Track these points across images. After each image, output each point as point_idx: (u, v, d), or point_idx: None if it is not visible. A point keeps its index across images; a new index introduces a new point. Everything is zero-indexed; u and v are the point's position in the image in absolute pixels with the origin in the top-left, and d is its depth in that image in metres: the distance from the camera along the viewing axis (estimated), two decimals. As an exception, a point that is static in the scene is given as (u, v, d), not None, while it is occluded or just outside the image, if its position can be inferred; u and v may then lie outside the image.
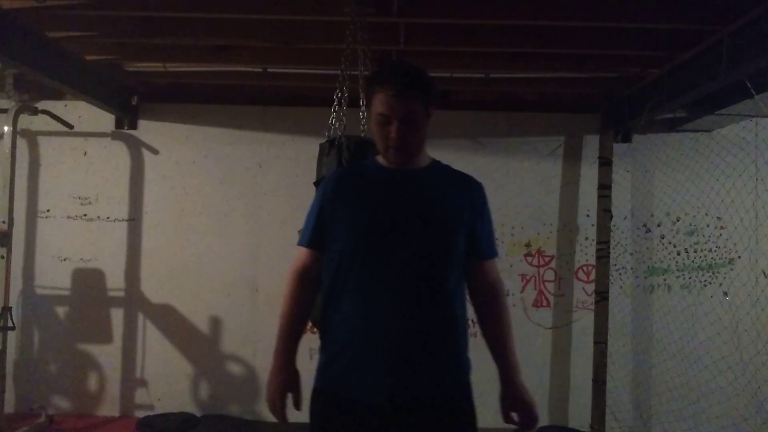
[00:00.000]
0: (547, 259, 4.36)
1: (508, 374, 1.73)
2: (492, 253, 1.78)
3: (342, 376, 1.63)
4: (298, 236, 1.81)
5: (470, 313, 1.78)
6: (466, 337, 1.72)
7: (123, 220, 4.37)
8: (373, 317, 1.59)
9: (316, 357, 1.74)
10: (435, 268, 1.63)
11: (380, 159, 1.74)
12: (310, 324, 1.84)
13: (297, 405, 1.73)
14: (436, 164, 1.78)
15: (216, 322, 4.33)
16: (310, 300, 1.77)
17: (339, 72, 2.65)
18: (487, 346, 1.77)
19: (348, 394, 1.61)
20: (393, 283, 1.60)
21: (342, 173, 1.80)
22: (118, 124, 4.39)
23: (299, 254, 1.77)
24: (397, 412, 1.58)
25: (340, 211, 1.68)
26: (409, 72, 1.65)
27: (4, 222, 3.74)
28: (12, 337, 3.89)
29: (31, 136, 4.37)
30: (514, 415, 1.73)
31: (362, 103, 2.48)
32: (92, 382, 4.32)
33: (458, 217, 1.68)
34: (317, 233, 1.72)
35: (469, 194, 1.73)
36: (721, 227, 4.23)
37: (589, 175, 4.31)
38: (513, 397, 1.71)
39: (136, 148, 4.40)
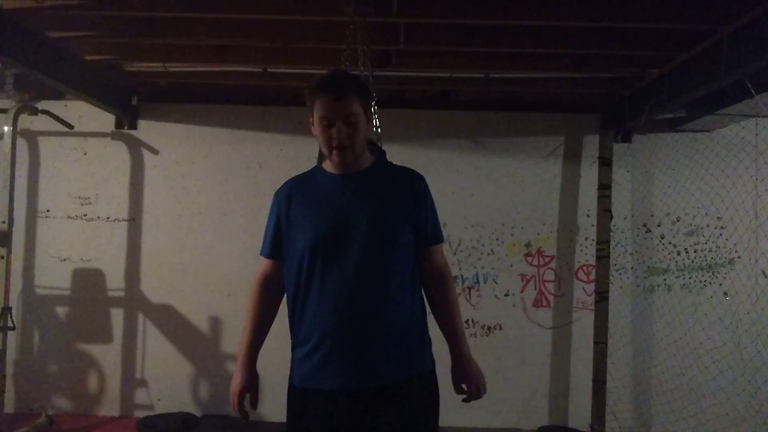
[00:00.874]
0: (547, 259, 4.36)
1: (457, 348, 1.87)
2: (437, 238, 1.90)
3: (313, 372, 1.77)
4: None
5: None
6: (421, 316, 1.85)
7: (123, 220, 4.37)
8: (334, 314, 1.72)
9: None
10: (385, 262, 1.75)
11: (326, 165, 1.88)
12: None
13: (253, 404, 1.94)
14: (377, 163, 1.90)
15: (216, 322, 4.33)
16: (273, 306, 1.93)
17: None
18: (437, 324, 1.91)
19: (317, 386, 1.76)
20: (348, 281, 1.72)
21: (292, 184, 1.91)
22: (118, 124, 4.39)
23: (261, 264, 1.93)
24: (369, 395, 1.72)
25: (294, 219, 1.82)
26: (347, 77, 1.84)
27: (4, 222, 3.74)
28: (12, 337, 3.89)
29: (31, 136, 4.38)
30: (464, 387, 1.87)
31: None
32: (92, 382, 4.32)
33: (402, 211, 1.80)
34: (274, 242, 1.87)
35: (410, 187, 1.85)
36: (721, 227, 4.23)
37: (589, 175, 4.31)
38: (461, 369, 1.86)
39: (136, 148, 4.41)
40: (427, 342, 1.87)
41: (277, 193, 1.92)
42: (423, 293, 1.91)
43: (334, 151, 1.76)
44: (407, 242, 1.80)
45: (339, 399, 1.73)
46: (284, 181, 1.96)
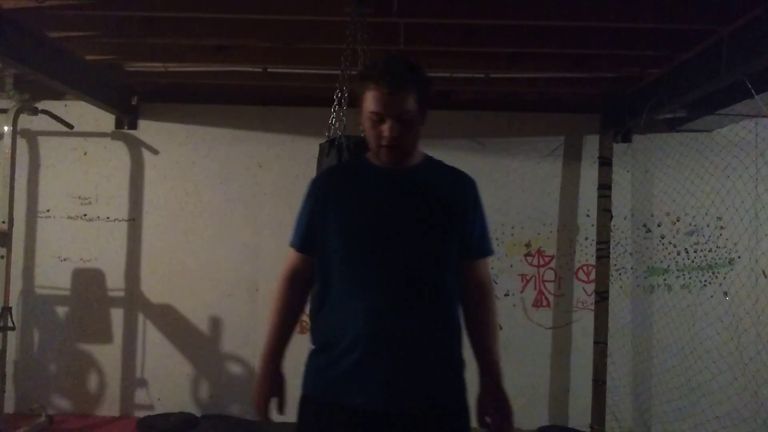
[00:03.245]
0: (547, 259, 4.36)
1: (491, 379, 1.67)
2: (485, 251, 1.72)
3: (336, 382, 1.58)
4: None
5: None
6: (461, 337, 1.68)
7: (123, 220, 4.37)
8: (369, 322, 1.54)
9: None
10: (431, 269, 1.60)
11: (372, 157, 1.69)
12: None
13: (281, 409, 1.74)
14: (428, 161, 1.72)
15: (216, 322, 4.33)
16: (300, 303, 1.76)
17: (339, 72, 2.65)
18: (471, 346, 1.70)
19: (342, 401, 1.56)
20: (388, 287, 1.55)
21: (332, 172, 1.76)
22: (118, 124, 4.39)
23: (289, 256, 1.75)
24: (394, 419, 1.55)
25: (332, 212, 1.63)
26: (404, 69, 1.58)
27: (4, 222, 3.74)
28: (12, 337, 3.89)
29: (31, 136, 4.37)
30: (488, 420, 1.69)
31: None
32: (92, 382, 4.32)
33: (452, 216, 1.63)
34: (308, 235, 1.69)
35: (462, 191, 1.68)
36: (721, 227, 4.23)
37: (589, 175, 4.31)
38: (491, 402, 1.67)
39: (136, 148, 4.40)
40: (464, 365, 1.67)
41: (314, 182, 1.75)
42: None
43: (383, 150, 1.58)
44: (454, 250, 1.63)
45: (361, 418, 1.54)
46: (323, 171, 1.78)
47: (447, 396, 1.61)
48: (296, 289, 1.73)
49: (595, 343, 4.16)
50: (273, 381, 1.72)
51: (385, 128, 1.55)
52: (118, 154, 4.40)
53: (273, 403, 1.74)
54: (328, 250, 1.63)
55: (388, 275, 1.56)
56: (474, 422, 1.67)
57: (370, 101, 1.55)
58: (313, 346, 1.69)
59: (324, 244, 1.64)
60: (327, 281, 1.63)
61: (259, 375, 1.74)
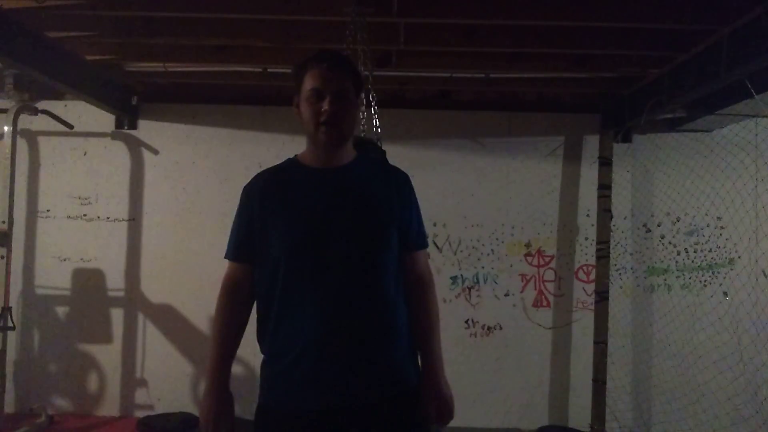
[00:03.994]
0: (547, 259, 4.36)
1: (430, 368, 1.68)
2: (420, 243, 1.75)
3: (293, 389, 1.58)
4: None
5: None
6: (407, 329, 1.68)
7: (123, 220, 4.37)
8: (318, 324, 1.55)
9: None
10: (372, 266, 1.60)
11: (302, 158, 1.71)
12: None
13: (228, 430, 1.69)
14: (360, 159, 1.72)
15: (216, 322, 4.32)
16: (243, 317, 1.72)
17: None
18: (413, 336, 1.71)
19: (300, 406, 1.58)
20: (333, 287, 1.56)
21: (264, 178, 1.72)
22: (118, 124, 4.39)
23: (227, 268, 1.72)
24: (350, 413, 1.57)
25: (268, 218, 1.63)
26: (341, 55, 1.70)
27: (4, 222, 3.74)
28: (12, 337, 3.89)
29: (31, 136, 4.37)
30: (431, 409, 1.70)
31: (363, 101, 2.47)
32: (92, 382, 4.32)
33: (388, 212, 1.64)
34: (245, 244, 1.67)
35: (396, 186, 1.70)
36: (721, 227, 4.23)
37: (589, 175, 4.31)
38: (431, 393, 1.67)
39: (136, 148, 4.40)
40: (415, 354, 1.71)
41: (247, 189, 1.74)
42: None
43: (322, 128, 1.58)
44: (393, 245, 1.64)
45: (323, 418, 1.55)
46: (254, 175, 1.77)
47: (403, 384, 1.64)
48: (237, 302, 1.70)
49: (595, 343, 4.16)
50: (221, 400, 1.68)
51: (325, 103, 1.57)
52: (118, 154, 4.40)
53: (222, 423, 1.68)
54: (269, 258, 1.61)
55: (332, 278, 1.56)
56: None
57: (310, 80, 1.60)
58: (263, 356, 1.68)
59: (264, 251, 1.63)
60: (270, 288, 1.62)
61: (205, 394, 1.68)
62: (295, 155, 1.76)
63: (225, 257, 1.73)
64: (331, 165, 1.66)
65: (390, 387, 1.61)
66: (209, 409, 1.65)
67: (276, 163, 1.79)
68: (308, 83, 1.60)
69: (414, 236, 1.71)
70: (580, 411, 4.24)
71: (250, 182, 1.75)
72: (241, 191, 1.76)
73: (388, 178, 1.71)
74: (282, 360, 1.61)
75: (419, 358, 1.71)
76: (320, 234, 1.58)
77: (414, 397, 1.65)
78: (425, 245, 1.77)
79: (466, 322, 4.29)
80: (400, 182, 1.72)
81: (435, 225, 4.28)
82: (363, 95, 1.68)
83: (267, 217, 1.63)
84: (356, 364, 1.57)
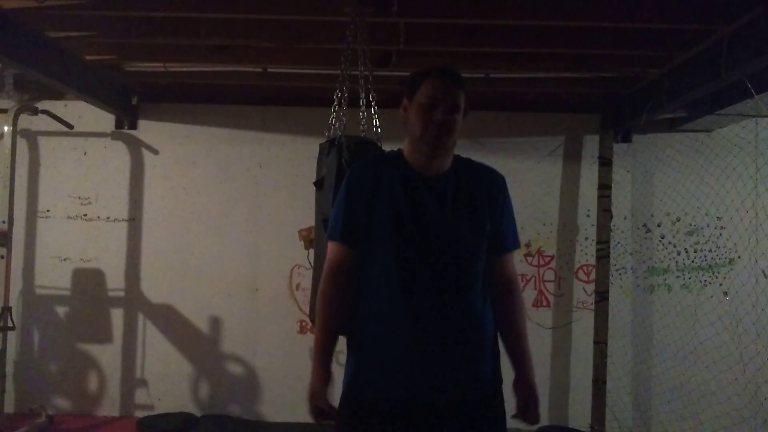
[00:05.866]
0: (547, 259, 4.36)
1: (524, 368, 1.74)
2: (513, 244, 1.80)
3: (377, 378, 1.63)
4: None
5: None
6: (492, 334, 1.74)
7: (123, 220, 4.37)
8: (412, 318, 1.61)
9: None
10: (465, 268, 1.66)
11: (408, 156, 1.73)
12: None
13: (330, 410, 1.68)
14: (457, 162, 1.76)
15: (216, 322, 4.33)
16: (346, 303, 1.70)
17: (339, 72, 2.65)
18: (501, 341, 1.77)
19: (384, 395, 1.62)
20: (429, 290, 1.62)
21: (373, 168, 1.73)
22: (118, 124, 4.39)
23: (333, 250, 1.70)
24: (440, 410, 1.61)
25: (375, 209, 1.65)
26: (458, 72, 1.72)
27: (4, 222, 3.74)
28: (12, 337, 3.89)
29: (31, 136, 4.37)
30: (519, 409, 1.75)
31: (363, 102, 2.47)
32: (92, 382, 4.32)
33: (481, 214, 1.70)
34: (354, 227, 1.67)
35: (489, 188, 1.75)
36: (721, 227, 4.23)
37: (589, 175, 4.31)
38: (525, 389, 1.73)
39: (136, 148, 4.41)
40: (498, 359, 1.75)
41: (356, 175, 1.73)
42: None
43: (430, 136, 1.63)
44: (484, 249, 1.70)
45: (407, 411, 1.60)
46: (363, 162, 1.80)
47: (489, 386, 1.70)
48: (344, 285, 1.69)
49: (595, 343, 4.16)
50: (329, 381, 1.68)
51: (438, 113, 1.63)
52: (118, 154, 4.40)
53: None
54: (375, 247, 1.65)
55: (429, 279, 1.62)
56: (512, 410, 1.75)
57: (427, 89, 1.65)
58: (352, 343, 1.70)
59: (370, 240, 1.66)
60: (370, 277, 1.65)
61: (316, 381, 1.67)
62: (400, 150, 1.77)
63: (330, 239, 1.72)
64: (433, 171, 1.70)
65: (473, 389, 1.66)
66: (321, 390, 1.66)
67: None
68: (425, 92, 1.66)
69: (507, 238, 1.77)
70: (580, 411, 4.24)
71: (359, 168, 1.76)
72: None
73: (481, 180, 1.76)
74: (370, 350, 1.65)
75: (512, 357, 1.76)
76: (422, 231, 1.63)
77: (495, 401, 1.71)
78: (517, 245, 1.83)
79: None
80: (496, 185, 1.77)
81: (435, 225, 4.27)
82: (469, 107, 1.73)
83: (375, 208, 1.66)
84: (444, 363, 1.62)
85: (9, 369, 3.91)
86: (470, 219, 1.68)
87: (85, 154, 4.39)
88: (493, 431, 1.70)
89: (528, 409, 1.72)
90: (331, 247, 1.71)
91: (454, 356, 1.63)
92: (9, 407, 4.00)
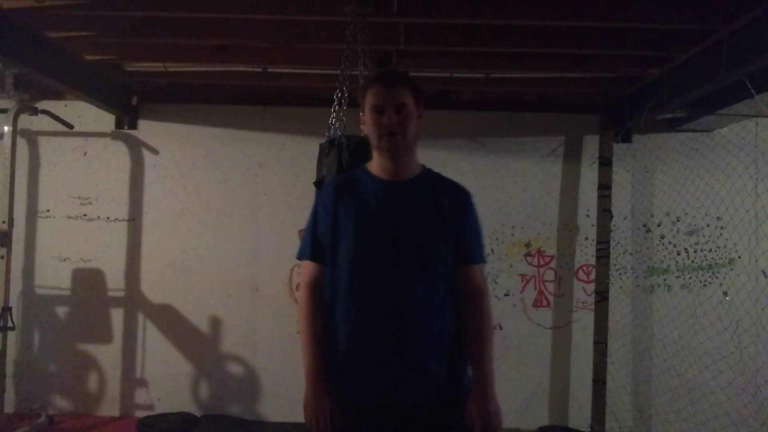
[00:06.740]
0: (547, 259, 4.36)
1: (478, 380, 1.74)
2: (476, 258, 1.82)
3: (345, 382, 1.71)
4: (298, 236, 1.82)
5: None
6: (457, 338, 1.76)
7: (123, 220, 4.37)
8: (376, 325, 1.68)
9: None
10: (428, 276, 1.71)
11: (372, 168, 1.83)
12: None
13: (338, 420, 1.71)
14: (425, 173, 1.85)
15: (216, 322, 4.33)
16: (324, 311, 1.80)
17: (339, 72, 2.65)
18: (467, 347, 1.78)
19: (348, 398, 1.70)
20: (390, 296, 1.68)
21: (339, 185, 1.85)
22: (118, 124, 4.39)
23: (307, 267, 1.83)
24: (400, 414, 1.68)
25: (341, 223, 1.76)
26: (400, 72, 1.86)
27: (4, 222, 3.74)
28: (12, 337, 3.89)
29: (31, 136, 4.38)
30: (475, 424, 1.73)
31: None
32: (92, 382, 4.32)
33: (442, 225, 1.75)
34: (320, 245, 1.79)
35: (455, 202, 1.80)
36: (721, 227, 4.23)
37: (589, 175, 4.31)
38: (477, 404, 1.71)
39: (136, 148, 4.41)
40: (465, 363, 1.78)
41: (323, 194, 1.86)
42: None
43: (384, 138, 1.73)
44: (448, 257, 1.75)
45: (375, 414, 1.68)
46: (329, 183, 1.92)
47: (452, 390, 1.73)
48: (318, 299, 1.80)
49: (595, 343, 4.16)
50: (327, 394, 1.71)
51: (385, 117, 1.73)
52: (118, 154, 4.40)
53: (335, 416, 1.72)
54: (339, 259, 1.75)
55: (391, 282, 1.69)
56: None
57: (371, 97, 1.76)
58: (329, 348, 1.76)
59: (334, 253, 1.76)
60: (336, 289, 1.75)
61: (309, 393, 1.72)
62: (367, 165, 1.87)
63: (300, 257, 1.84)
64: (398, 178, 1.79)
65: (437, 392, 1.71)
66: (322, 404, 1.69)
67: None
68: (370, 99, 1.76)
69: (471, 251, 1.81)
70: (580, 411, 4.24)
71: (325, 187, 1.89)
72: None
73: (446, 194, 1.81)
74: (341, 355, 1.73)
75: (472, 370, 1.77)
76: (385, 241, 1.71)
77: (461, 405, 1.73)
78: (483, 260, 1.85)
79: (466, 322, 4.29)
80: (458, 198, 1.83)
81: (435, 225, 4.27)
82: (422, 101, 1.81)
83: (340, 222, 1.76)
84: (411, 365, 1.68)
85: (9, 369, 3.91)
86: (435, 223, 1.75)
87: (85, 154, 4.39)
88: None
89: (483, 422, 1.69)
90: (304, 265, 1.83)
91: (409, 362, 1.68)
92: (9, 407, 4.01)
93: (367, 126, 1.80)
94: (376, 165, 1.82)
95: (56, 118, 4.07)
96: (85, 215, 4.37)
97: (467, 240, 1.80)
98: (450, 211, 1.77)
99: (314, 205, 1.86)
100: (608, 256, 4.18)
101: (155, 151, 4.40)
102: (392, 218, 1.73)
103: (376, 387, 1.68)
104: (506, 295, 4.33)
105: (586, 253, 4.33)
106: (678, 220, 4.30)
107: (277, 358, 4.27)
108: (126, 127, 4.39)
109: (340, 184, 1.85)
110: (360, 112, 1.80)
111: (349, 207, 1.76)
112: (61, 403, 4.30)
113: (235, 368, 4.32)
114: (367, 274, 1.70)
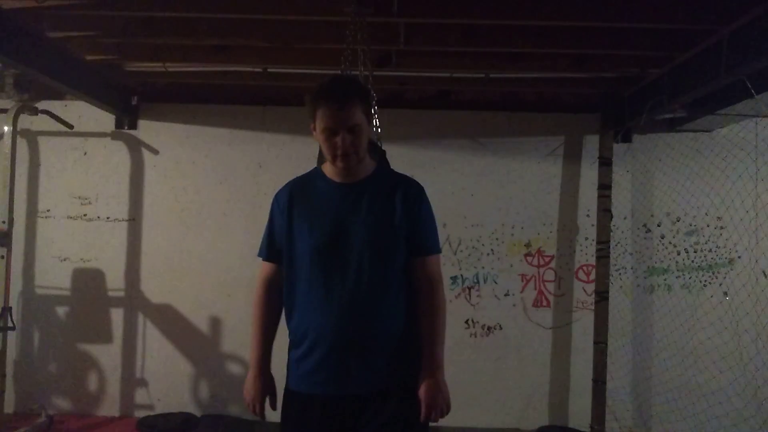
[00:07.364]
0: (547, 259, 4.36)
1: (430, 371, 1.79)
2: (430, 249, 1.88)
3: (305, 375, 1.81)
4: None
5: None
6: (409, 329, 1.82)
7: (123, 220, 4.37)
8: (330, 320, 1.75)
9: None
10: (380, 271, 1.78)
11: (326, 170, 1.89)
12: None
13: (273, 406, 1.96)
14: (377, 172, 1.90)
15: (216, 322, 4.33)
16: (277, 307, 1.94)
17: (339, 72, 2.65)
18: (420, 335, 1.84)
19: (310, 390, 1.80)
20: (345, 288, 1.76)
21: (293, 187, 1.92)
22: (118, 124, 4.39)
23: (262, 266, 1.94)
24: (353, 402, 1.76)
25: (294, 223, 1.84)
26: (347, 84, 1.87)
27: (4, 222, 3.74)
28: (12, 337, 3.89)
29: (31, 136, 4.37)
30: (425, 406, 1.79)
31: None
32: (92, 382, 4.32)
33: (392, 221, 1.81)
34: (274, 246, 1.89)
35: (403, 196, 1.84)
36: (721, 227, 4.23)
37: (589, 175, 4.31)
38: (424, 386, 1.77)
39: (136, 148, 4.41)
40: (418, 353, 1.82)
41: (277, 195, 1.94)
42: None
43: (339, 159, 1.78)
44: (400, 252, 1.81)
45: (330, 403, 1.77)
46: (285, 183, 1.97)
47: (397, 380, 1.79)
48: (272, 295, 1.93)
49: (595, 343, 4.16)
50: (265, 382, 1.92)
51: (338, 140, 1.75)
52: (118, 154, 4.40)
53: (267, 402, 1.94)
54: (294, 258, 1.83)
55: (343, 278, 1.76)
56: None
57: (321, 118, 1.75)
58: (289, 342, 1.90)
59: (290, 251, 1.84)
60: (293, 285, 1.84)
61: (250, 378, 1.93)
62: (320, 167, 1.94)
63: (258, 256, 1.96)
64: (350, 180, 1.85)
65: (389, 381, 1.78)
66: (259, 391, 1.90)
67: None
68: (321, 121, 1.75)
69: (425, 242, 1.86)
70: (580, 411, 4.24)
71: (281, 190, 1.94)
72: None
73: (397, 189, 1.86)
74: (298, 349, 1.84)
75: (423, 356, 1.82)
76: (338, 240, 1.78)
77: (412, 394, 1.78)
78: (437, 251, 1.91)
79: (466, 322, 4.29)
80: (409, 192, 1.87)
81: (435, 225, 4.28)
82: (374, 102, 1.85)
83: (294, 221, 1.84)
84: (363, 357, 1.76)
85: (9, 369, 3.91)
86: (387, 220, 1.80)
87: (85, 154, 4.39)
88: (391, 427, 1.75)
89: (429, 404, 1.74)
90: (261, 264, 1.95)
91: (365, 352, 1.75)
92: (9, 407, 4.01)
93: (318, 138, 1.80)
94: (329, 168, 1.87)
95: (56, 118, 4.07)
96: (85, 215, 4.37)
97: (420, 232, 1.85)
98: (402, 205, 1.82)
99: (271, 208, 1.93)
100: (608, 256, 4.18)
101: (155, 151, 4.40)
102: (345, 219, 1.79)
103: (321, 377, 1.77)
104: (506, 295, 4.33)
105: (586, 253, 4.33)
106: (678, 220, 4.30)
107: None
108: (126, 127, 4.39)
109: (295, 187, 1.92)
110: (309, 118, 1.80)
111: (303, 209, 1.84)
112: (61, 403, 4.30)
113: (235, 368, 4.32)
114: (321, 274, 1.77)
